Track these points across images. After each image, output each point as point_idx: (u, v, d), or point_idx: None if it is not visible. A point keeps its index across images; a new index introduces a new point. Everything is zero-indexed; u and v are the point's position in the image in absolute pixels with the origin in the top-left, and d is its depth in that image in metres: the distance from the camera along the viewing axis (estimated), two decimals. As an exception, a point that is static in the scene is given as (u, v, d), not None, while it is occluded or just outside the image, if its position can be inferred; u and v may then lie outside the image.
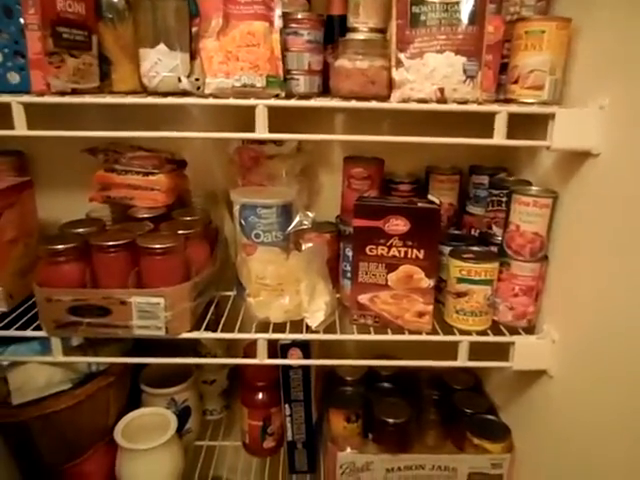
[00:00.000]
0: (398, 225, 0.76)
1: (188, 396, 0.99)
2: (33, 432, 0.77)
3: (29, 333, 0.78)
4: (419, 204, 0.77)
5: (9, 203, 0.82)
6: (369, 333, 0.81)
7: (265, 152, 0.91)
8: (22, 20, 0.68)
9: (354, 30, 0.83)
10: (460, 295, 0.79)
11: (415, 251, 0.76)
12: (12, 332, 0.78)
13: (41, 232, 0.91)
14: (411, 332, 0.80)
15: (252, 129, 0.70)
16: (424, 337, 0.79)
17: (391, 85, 0.73)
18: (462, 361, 0.80)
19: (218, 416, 1.10)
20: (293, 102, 0.70)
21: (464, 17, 0.69)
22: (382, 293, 0.80)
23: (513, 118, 0.69)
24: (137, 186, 0.87)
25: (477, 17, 0.69)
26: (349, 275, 0.85)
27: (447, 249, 0.83)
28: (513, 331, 0.81)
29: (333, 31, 0.85)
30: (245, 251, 0.84)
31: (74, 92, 0.72)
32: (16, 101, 0.66)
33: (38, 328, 0.79)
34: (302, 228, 0.85)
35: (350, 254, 0.84)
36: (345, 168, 0.93)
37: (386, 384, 1.03)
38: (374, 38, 0.76)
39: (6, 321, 0.81)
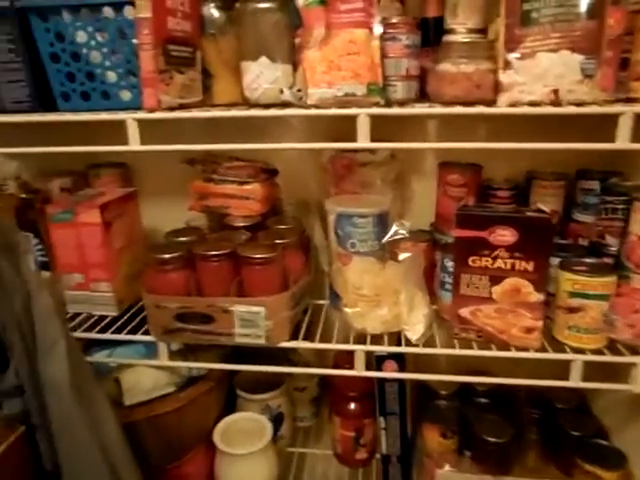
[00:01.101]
0: (505, 235, 0.72)
1: (282, 402, 1.00)
2: (141, 433, 0.80)
3: (138, 337, 0.82)
4: (528, 213, 0.73)
5: (118, 213, 0.87)
6: (471, 348, 0.78)
7: (358, 160, 0.90)
8: (135, 40, 0.71)
9: (452, 32, 0.80)
10: (573, 310, 0.74)
11: (524, 263, 0.71)
12: (123, 336, 0.83)
13: (144, 240, 0.96)
14: (517, 348, 0.76)
15: (347, 137, 0.69)
16: (533, 354, 0.74)
17: (497, 88, 0.69)
18: (575, 381, 0.74)
19: (308, 423, 1.11)
20: (396, 110, 0.68)
21: (582, 11, 0.64)
22: (485, 306, 0.76)
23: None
24: (233, 195, 0.90)
25: (597, 10, 0.64)
26: (448, 286, 0.82)
27: (556, 260, 0.77)
28: (633, 350, 0.74)
29: (428, 34, 0.82)
30: (340, 261, 0.83)
31: (181, 107, 0.74)
32: (131, 118, 0.70)
33: (144, 332, 0.83)
34: (398, 237, 0.83)
35: (449, 264, 0.81)
36: (440, 174, 0.90)
37: (482, 399, 0.99)
38: (478, 40, 0.72)
39: (115, 324, 0.86)
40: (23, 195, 0.83)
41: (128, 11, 0.70)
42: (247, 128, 0.89)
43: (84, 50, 0.73)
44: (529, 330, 0.74)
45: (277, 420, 0.99)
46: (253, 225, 0.90)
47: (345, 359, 0.98)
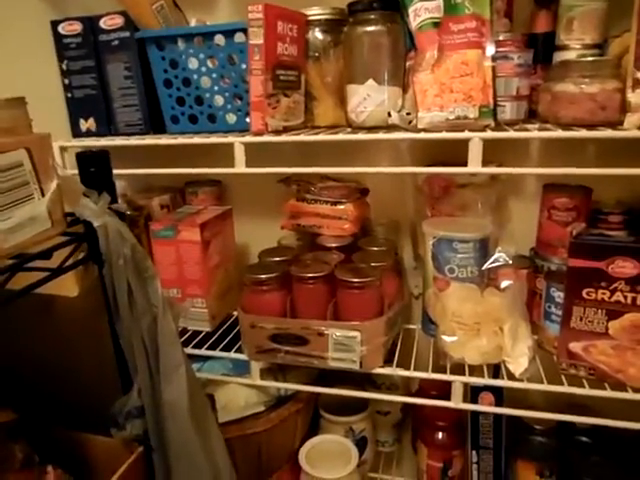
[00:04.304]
0: (625, 267, 0.67)
1: (365, 426, 0.98)
2: (232, 451, 0.81)
3: (233, 355, 0.83)
4: (654, 243, 0.67)
5: (216, 231, 0.89)
6: (578, 384, 0.73)
7: (456, 181, 0.87)
8: (244, 66, 0.73)
9: (565, 48, 0.77)
10: None
11: (647, 298, 0.66)
12: (218, 353, 0.84)
13: (236, 257, 0.98)
14: (635, 390, 0.70)
15: (450, 159, 0.67)
16: (656, 398, 0.68)
17: (623, 109, 0.64)
18: None
19: (390, 449, 1.08)
20: (513, 134, 0.65)
21: None
22: (600, 342, 0.70)
23: None
24: (325, 215, 0.89)
25: None
26: (554, 317, 0.77)
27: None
28: None
29: (536, 50, 0.79)
30: (437, 286, 0.80)
31: (284, 129, 0.75)
32: (239, 141, 0.71)
33: (237, 350, 0.84)
34: (500, 264, 0.79)
35: (556, 294, 0.76)
36: (545, 197, 0.85)
37: (583, 438, 0.92)
38: (603, 58, 0.67)
39: (209, 340, 0.87)
40: (129, 212, 0.86)
41: (238, 38, 0.72)
42: (344, 147, 0.89)
43: (195, 76, 0.76)
44: (651, 371, 0.68)
45: (360, 444, 0.97)
46: (345, 245, 0.89)
47: (432, 385, 0.94)
